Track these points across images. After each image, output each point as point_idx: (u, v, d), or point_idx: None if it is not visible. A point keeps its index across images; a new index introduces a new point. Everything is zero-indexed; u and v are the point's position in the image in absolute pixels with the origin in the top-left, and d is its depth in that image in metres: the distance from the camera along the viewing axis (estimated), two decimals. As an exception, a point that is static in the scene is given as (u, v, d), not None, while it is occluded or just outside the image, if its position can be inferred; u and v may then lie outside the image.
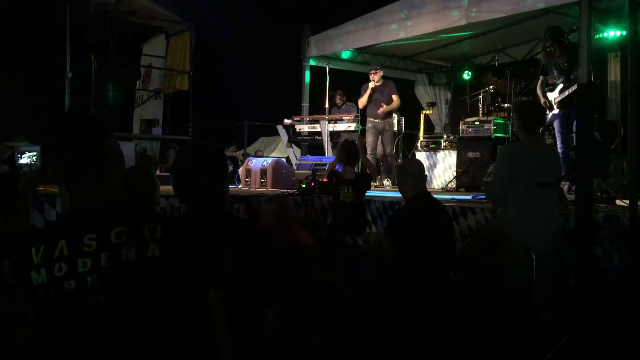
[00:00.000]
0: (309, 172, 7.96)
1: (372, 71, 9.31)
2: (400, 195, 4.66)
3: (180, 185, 2.31)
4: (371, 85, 9.20)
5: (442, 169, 10.02)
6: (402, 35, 9.83)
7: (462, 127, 9.23)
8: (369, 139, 9.26)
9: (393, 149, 9.55)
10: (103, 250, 1.60)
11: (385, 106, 9.15)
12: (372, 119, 9.28)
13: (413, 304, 4.12)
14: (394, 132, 9.51)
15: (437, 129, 12.57)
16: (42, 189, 4.58)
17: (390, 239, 4.36)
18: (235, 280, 2.02)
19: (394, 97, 9.19)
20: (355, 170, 6.21)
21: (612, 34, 8.95)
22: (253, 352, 2.05)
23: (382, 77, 9.44)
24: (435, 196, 4.77)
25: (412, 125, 11.47)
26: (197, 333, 1.68)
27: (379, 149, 9.53)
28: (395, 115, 10.10)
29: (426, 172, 10.52)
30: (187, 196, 2.31)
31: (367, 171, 6.74)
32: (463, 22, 8.71)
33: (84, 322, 1.58)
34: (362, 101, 9.33)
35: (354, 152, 6.07)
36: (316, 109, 10.48)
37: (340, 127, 9.23)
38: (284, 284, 2.20)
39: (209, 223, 2.15)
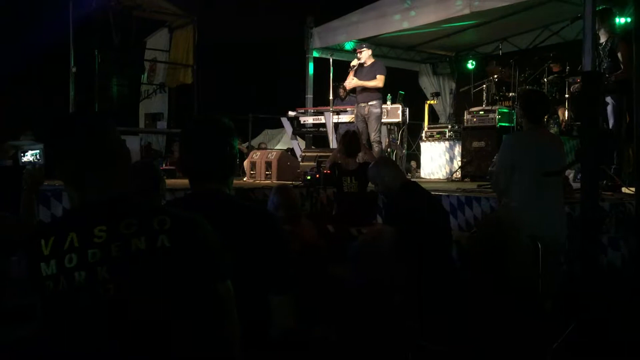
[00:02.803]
0: (313, 163, 7.95)
1: (358, 49, 8.68)
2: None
3: (184, 160, 2.20)
4: (353, 62, 8.56)
5: (447, 159, 10.02)
6: (405, 25, 9.79)
7: (466, 116, 9.22)
8: (358, 126, 8.50)
9: (380, 135, 8.68)
10: (113, 241, 1.61)
11: (356, 79, 8.40)
12: (357, 103, 8.60)
13: (417, 294, 4.14)
14: (379, 116, 8.49)
15: (442, 119, 12.56)
16: (46, 183, 4.59)
17: (391, 225, 4.41)
18: (240, 268, 1.99)
19: (379, 76, 8.31)
20: (357, 160, 6.20)
21: (617, 21, 8.89)
22: (260, 343, 2.04)
23: (375, 57, 8.74)
24: (440, 186, 4.81)
25: (417, 115, 11.45)
26: (207, 323, 1.69)
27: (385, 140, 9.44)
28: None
29: (431, 162, 10.50)
30: (189, 173, 2.19)
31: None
32: (466, 11, 8.67)
33: (94, 312, 1.60)
34: (347, 81, 8.70)
35: (355, 142, 6.08)
36: (320, 101, 10.46)
37: (345, 118, 9.17)
38: (289, 270, 2.12)
39: (207, 207, 2.03)
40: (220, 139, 2.16)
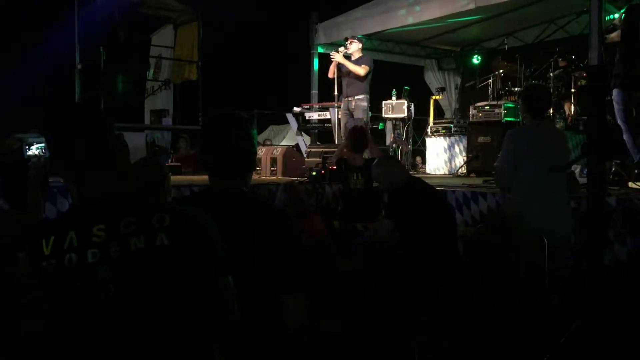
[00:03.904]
0: (319, 159, 7.94)
1: (349, 39, 8.45)
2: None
3: (203, 155, 2.20)
4: (336, 52, 8.28)
5: (452, 154, 10.00)
6: (410, 20, 9.77)
7: (472, 111, 9.18)
8: (343, 121, 8.43)
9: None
10: (112, 241, 1.60)
11: (340, 55, 8.13)
12: (344, 97, 8.40)
13: (425, 287, 4.14)
14: (365, 110, 8.24)
15: (447, 114, 12.53)
16: (51, 180, 4.61)
17: (390, 219, 4.42)
18: (253, 265, 1.99)
19: (364, 65, 8.09)
20: (364, 156, 6.19)
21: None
22: (268, 340, 2.04)
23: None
24: (446, 182, 4.82)
25: (422, 111, 11.42)
26: (208, 321, 1.69)
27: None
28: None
29: (436, 157, 10.45)
30: (207, 167, 2.19)
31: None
32: (472, 6, 8.65)
33: (95, 312, 1.60)
34: (330, 70, 8.46)
35: (363, 139, 6.07)
36: (325, 97, 10.45)
37: (350, 114, 9.14)
38: (303, 268, 2.12)
39: (221, 203, 2.07)
40: (241, 134, 2.17)
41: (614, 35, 6.59)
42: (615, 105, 6.29)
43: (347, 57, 8.32)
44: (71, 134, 1.68)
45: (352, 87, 8.26)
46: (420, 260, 4.21)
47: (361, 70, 8.07)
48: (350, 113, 8.28)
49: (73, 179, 1.71)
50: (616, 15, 6.87)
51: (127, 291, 1.60)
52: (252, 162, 2.22)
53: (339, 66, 8.34)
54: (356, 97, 8.19)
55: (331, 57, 8.37)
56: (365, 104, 8.20)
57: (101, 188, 1.68)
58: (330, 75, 8.53)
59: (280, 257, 2.06)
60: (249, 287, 1.90)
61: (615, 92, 6.30)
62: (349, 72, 8.21)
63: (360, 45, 8.39)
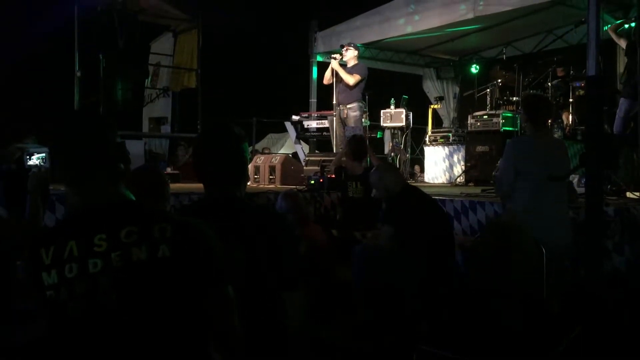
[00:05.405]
0: (317, 168, 7.95)
1: (346, 46, 8.34)
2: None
3: (200, 165, 2.27)
4: (333, 60, 8.23)
5: (450, 163, 10.01)
6: (409, 29, 9.81)
7: (470, 121, 9.20)
8: (337, 129, 8.38)
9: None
10: (113, 250, 1.60)
11: (335, 62, 8.12)
12: (336, 105, 8.31)
13: (424, 294, 4.15)
14: (358, 119, 8.11)
15: (446, 123, 12.55)
16: (51, 188, 4.61)
17: (389, 224, 4.43)
18: (248, 272, 2.02)
19: (355, 74, 8.02)
20: (364, 165, 6.20)
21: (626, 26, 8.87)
22: (266, 341, 2.06)
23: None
24: (444, 191, 4.84)
25: (421, 119, 11.43)
26: (208, 329, 1.69)
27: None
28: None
29: (434, 166, 10.44)
30: (205, 177, 2.27)
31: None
32: (470, 15, 8.69)
33: (95, 321, 1.59)
34: (326, 77, 8.41)
35: (362, 147, 6.08)
36: (324, 105, 10.46)
37: (348, 122, 9.13)
38: (300, 268, 2.18)
39: (222, 210, 2.14)
40: (236, 144, 2.26)
41: (621, 42, 6.62)
42: (618, 113, 6.34)
43: (343, 64, 8.29)
44: (71, 137, 1.70)
45: (343, 95, 8.19)
46: (420, 266, 4.21)
47: (351, 79, 8.00)
48: (342, 122, 8.22)
49: (74, 184, 1.72)
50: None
51: (128, 300, 1.60)
52: (246, 170, 2.31)
53: (335, 73, 8.28)
54: (348, 106, 8.09)
55: (331, 58, 8.31)
56: (357, 112, 8.08)
57: (102, 193, 1.69)
58: (325, 81, 8.46)
59: (278, 258, 2.12)
60: (249, 288, 1.95)
61: (622, 100, 6.35)
62: (342, 80, 8.16)
63: (356, 53, 8.33)
